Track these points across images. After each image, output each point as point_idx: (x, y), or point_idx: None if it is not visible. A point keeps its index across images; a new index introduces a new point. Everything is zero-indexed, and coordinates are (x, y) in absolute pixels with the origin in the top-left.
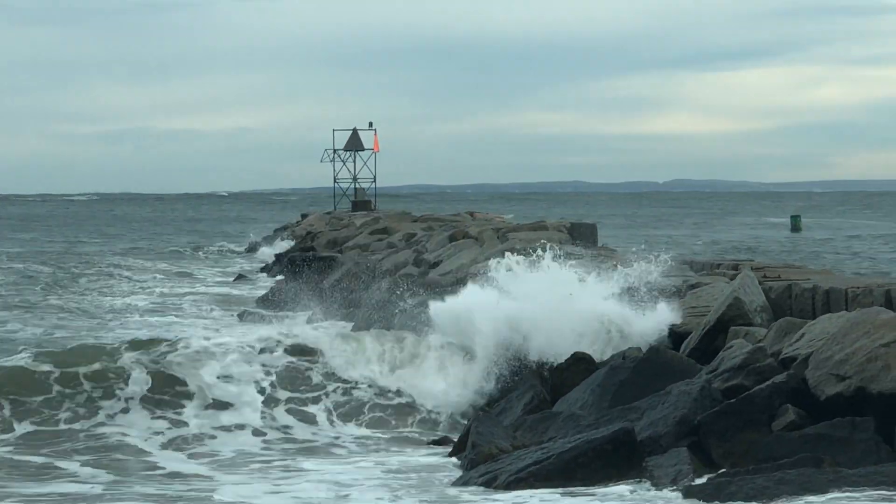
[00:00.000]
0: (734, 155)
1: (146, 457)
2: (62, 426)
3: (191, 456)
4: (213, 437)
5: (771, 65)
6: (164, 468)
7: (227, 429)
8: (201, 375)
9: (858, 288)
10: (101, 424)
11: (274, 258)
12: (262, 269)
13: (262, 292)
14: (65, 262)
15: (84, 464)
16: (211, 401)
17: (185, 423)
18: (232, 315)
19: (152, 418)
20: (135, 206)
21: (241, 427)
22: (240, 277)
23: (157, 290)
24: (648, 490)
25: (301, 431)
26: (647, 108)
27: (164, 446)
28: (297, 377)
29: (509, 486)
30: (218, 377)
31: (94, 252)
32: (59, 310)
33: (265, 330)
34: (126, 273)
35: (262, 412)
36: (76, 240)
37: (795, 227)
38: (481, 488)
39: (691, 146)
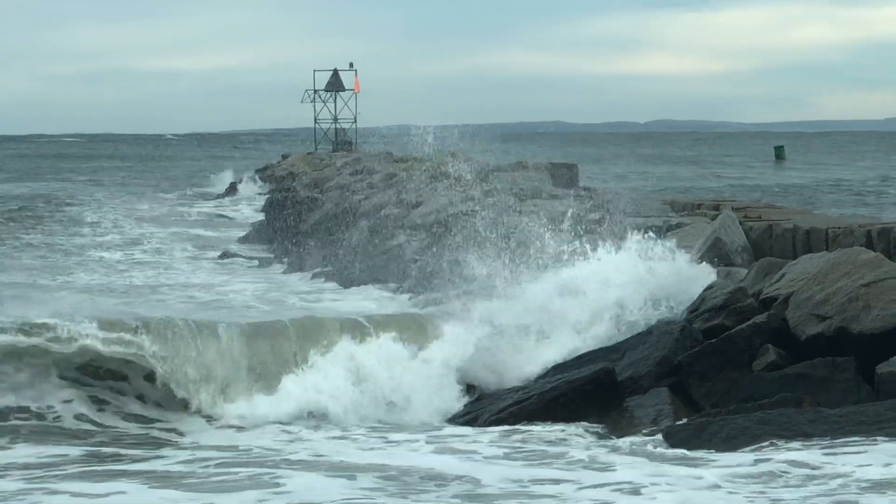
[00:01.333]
0: (715, 95)
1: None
2: None
3: None
4: None
5: (753, 4)
6: None
7: None
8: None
9: (839, 228)
10: None
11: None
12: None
13: (242, 232)
14: (48, 202)
15: None
16: None
17: None
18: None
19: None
20: (116, 147)
21: None
22: (220, 217)
23: (132, 230)
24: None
25: None
26: (629, 49)
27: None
28: None
29: (490, 425)
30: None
31: (76, 192)
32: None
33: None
34: (105, 211)
35: None
36: (67, 180)
37: (779, 156)
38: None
39: (672, 87)
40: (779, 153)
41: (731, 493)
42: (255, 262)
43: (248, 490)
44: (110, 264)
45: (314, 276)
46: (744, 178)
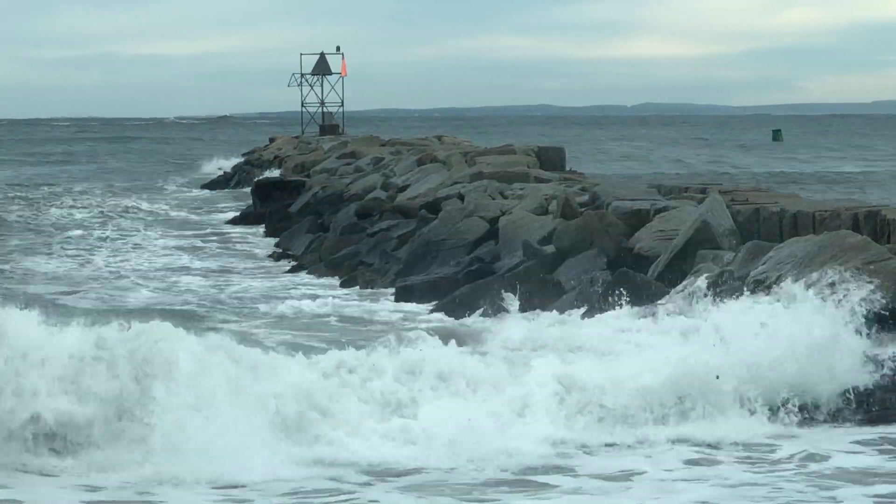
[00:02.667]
0: (702, 79)
1: None
2: None
3: None
4: None
5: None
6: None
7: None
8: None
9: (826, 211)
10: None
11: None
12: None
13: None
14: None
15: None
16: None
17: None
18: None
19: None
20: (104, 132)
21: None
22: (208, 200)
23: (113, 212)
24: None
25: None
26: (615, 32)
27: None
28: None
29: None
30: None
31: (64, 175)
32: None
33: None
34: (89, 192)
35: None
36: (57, 163)
37: (776, 139)
38: None
39: (659, 70)
40: (776, 136)
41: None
42: (241, 245)
43: None
44: (81, 245)
45: (293, 267)
46: (755, 162)
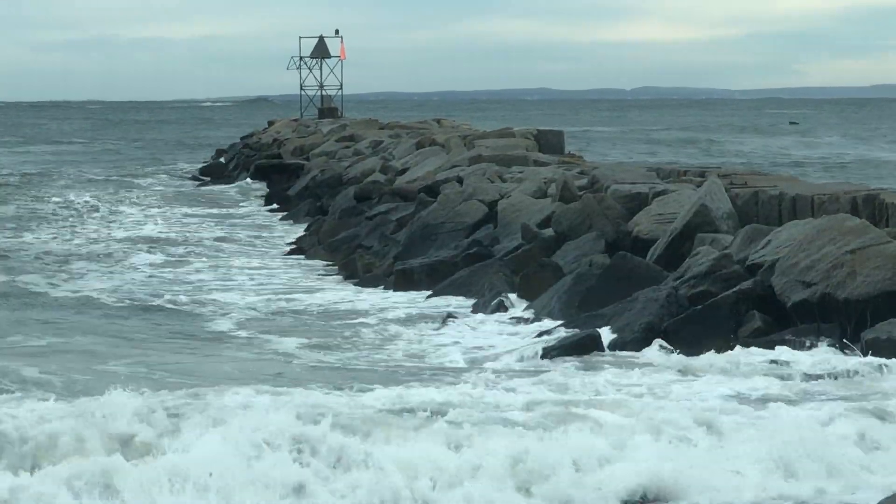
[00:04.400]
0: (701, 63)
1: None
2: None
3: None
4: None
5: None
6: None
7: None
8: None
9: (825, 195)
10: None
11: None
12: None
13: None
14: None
15: None
16: None
17: None
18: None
19: None
20: (99, 114)
21: None
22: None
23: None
24: None
25: None
26: (615, 15)
27: None
28: None
29: None
30: None
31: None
32: None
33: None
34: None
35: None
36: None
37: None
38: None
39: (659, 54)
40: (792, 125)
41: None
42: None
43: None
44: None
45: (292, 251)
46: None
